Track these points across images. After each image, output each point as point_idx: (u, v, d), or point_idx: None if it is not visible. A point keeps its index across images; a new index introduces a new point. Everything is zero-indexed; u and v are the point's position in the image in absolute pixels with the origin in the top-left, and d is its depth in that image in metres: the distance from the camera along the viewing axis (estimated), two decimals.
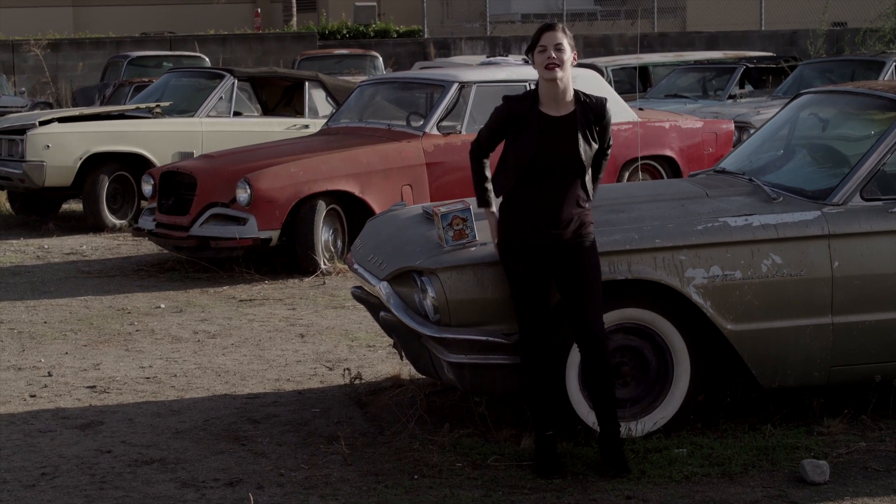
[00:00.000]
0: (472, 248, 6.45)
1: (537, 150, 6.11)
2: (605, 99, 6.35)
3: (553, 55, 6.14)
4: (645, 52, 26.92)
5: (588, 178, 6.22)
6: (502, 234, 6.26)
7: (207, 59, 26.38)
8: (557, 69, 6.13)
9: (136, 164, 14.95)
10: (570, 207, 6.16)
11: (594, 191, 6.30)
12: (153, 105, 15.78)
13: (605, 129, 6.26)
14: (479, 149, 6.38)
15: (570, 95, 6.22)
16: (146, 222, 12.39)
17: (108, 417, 7.34)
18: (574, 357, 6.45)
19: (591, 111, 6.22)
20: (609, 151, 6.37)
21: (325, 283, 11.37)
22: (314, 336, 9.33)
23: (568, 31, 6.23)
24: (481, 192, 6.35)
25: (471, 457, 6.42)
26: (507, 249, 6.24)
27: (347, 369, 7.87)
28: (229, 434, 6.97)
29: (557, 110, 6.20)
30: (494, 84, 12.51)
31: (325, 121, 14.23)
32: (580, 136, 6.15)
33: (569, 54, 6.17)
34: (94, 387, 8.02)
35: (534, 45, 6.22)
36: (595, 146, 6.21)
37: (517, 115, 6.22)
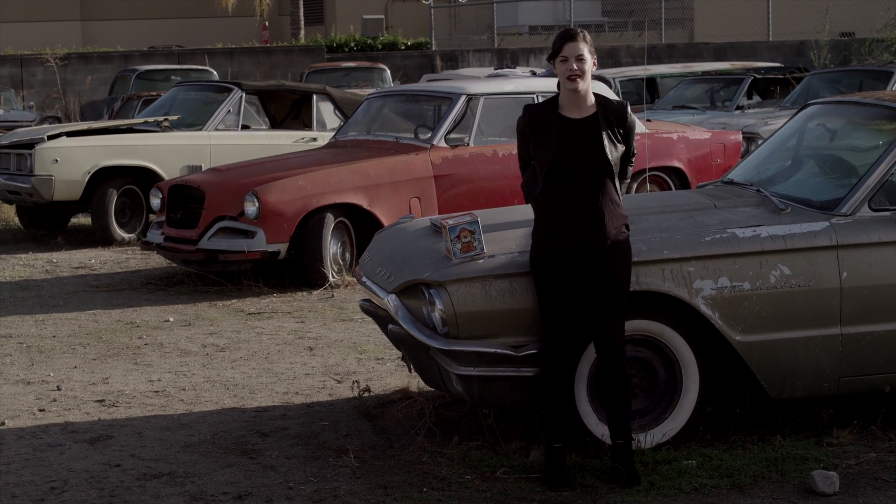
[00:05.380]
0: (481, 261, 6.45)
1: (556, 152, 6.12)
2: (626, 102, 6.37)
3: (575, 66, 6.16)
4: (653, 63, 26.92)
5: (617, 179, 6.23)
6: (536, 241, 6.26)
7: (215, 73, 26.44)
8: (579, 80, 6.16)
9: (144, 177, 14.99)
10: (603, 211, 6.14)
11: (621, 196, 6.31)
12: (161, 119, 15.80)
13: (628, 132, 6.26)
14: (522, 163, 6.42)
15: (590, 100, 6.25)
16: (154, 236, 12.41)
17: (116, 431, 7.34)
18: (583, 369, 6.45)
19: (612, 113, 6.24)
20: (633, 159, 6.37)
21: (333, 295, 11.38)
22: (323, 349, 9.33)
23: (588, 38, 6.24)
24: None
25: (480, 469, 6.41)
26: (540, 257, 6.23)
27: (356, 382, 7.87)
28: (238, 447, 6.97)
29: (579, 113, 6.22)
30: (502, 96, 12.53)
31: (332, 134, 14.24)
32: (604, 136, 6.16)
33: (590, 63, 6.20)
34: (103, 401, 8.02)
35: (555, 54, 6.23)
36: (621, 147, 6.22)
37: (537, 121, 6.24)
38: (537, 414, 6.57)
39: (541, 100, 12.24)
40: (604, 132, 6.17)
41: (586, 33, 6.27)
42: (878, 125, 7.56)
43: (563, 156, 6.14)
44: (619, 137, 6.23)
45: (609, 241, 6.14)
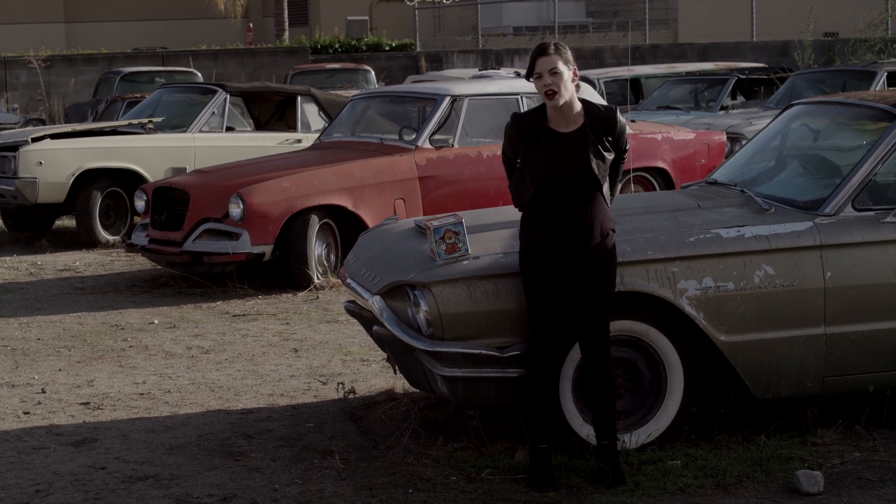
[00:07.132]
0: (465, 262, 6.45)
1: (547, 167, 6.10)
2: (615, 107, 6.32)
3: (549, 81, 6.11)
4: (637, 63, 26.96)
5: (605, 189, 6.22)
6: (523, 245, 6.26)
7: (200, 75, 26.40)
8: (556, 95, 6.12)
9: (128, 179, 14.97)
10: (590, 220, 6.14)
11: (611, 198, 6.31)
12: (146, 121, 15.78)
13: (618, 137, 6.23)
14: (507, 159, 6.42)
15: (576, 109, 6.21)
16: (139, 238, 12.40)
17: (101, 434, 7.33)
18: (568, 369, 6.45)
19: (600, 123, 6.20)
20: (626, 156, 6.35)
21: (318, 297, 11.37)
22: (308, 351, 9.33)
23: (563, 49, 6.17)
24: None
25: (465, 470, 6.42)
26: (527, 261, 6.24)
27: (341, 383, 7.86)
28: (223, 449, 6.97)
29: (566, 126, 6.18)
30: (486, 97, 12.53)
31: (317, 135, 14.23)
32: (591, 152, 6.13)
33: (567, 74, 6.12)
34: (88, 403, 8.01)
35: (531, 73, 6.20)
36: (609, 157, 6.20)
37: (526, 130, 6.20)
38: (522, 415, 6.57)
39: (525, 101, 12.33)
40: (590, 148, 6.13)
41: (560, 45, 6.20)
42: (861, 125, 7.58)
43: (553, 172, 6.11)
44: (608, 146, 6.20)
45: (595, 248, 6.15)
